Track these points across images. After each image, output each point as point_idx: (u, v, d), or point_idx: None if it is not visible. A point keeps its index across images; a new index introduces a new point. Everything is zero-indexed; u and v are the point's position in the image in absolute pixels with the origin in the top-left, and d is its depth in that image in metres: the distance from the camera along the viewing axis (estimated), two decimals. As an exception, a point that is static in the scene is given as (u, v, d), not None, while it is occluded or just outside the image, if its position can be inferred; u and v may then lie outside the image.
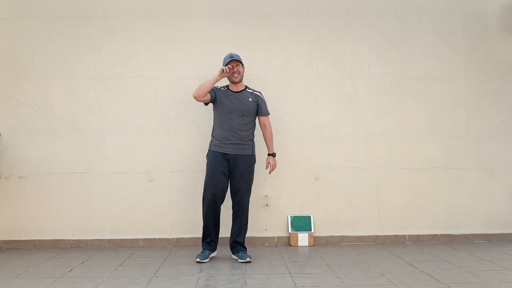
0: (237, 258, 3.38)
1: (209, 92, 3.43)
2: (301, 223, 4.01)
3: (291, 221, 4.01)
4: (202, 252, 3.40)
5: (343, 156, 4.09)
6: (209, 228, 3.43)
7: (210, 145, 3.50)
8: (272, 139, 3.64)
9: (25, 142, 3.95)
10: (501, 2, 4.26)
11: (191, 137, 4.01)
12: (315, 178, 4.08)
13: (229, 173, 3.44)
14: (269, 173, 3.66)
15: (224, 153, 3.41)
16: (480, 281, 2.82)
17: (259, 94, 3.60)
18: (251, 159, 3.50)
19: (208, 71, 4.01)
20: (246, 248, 3.47)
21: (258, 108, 3.53)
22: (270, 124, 3.63)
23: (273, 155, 3.63)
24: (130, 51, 4.04)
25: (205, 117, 3.91)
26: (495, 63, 4.21)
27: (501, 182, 4.16)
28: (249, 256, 3.35)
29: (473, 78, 4.19)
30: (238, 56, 3.50)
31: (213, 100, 3.48)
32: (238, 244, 3.44)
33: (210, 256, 3.43)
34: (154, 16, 4.06)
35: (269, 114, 3.62)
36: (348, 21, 4.16)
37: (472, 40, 4.22)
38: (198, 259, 3.32)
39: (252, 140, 3.53)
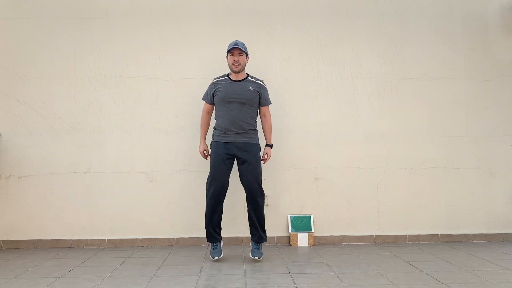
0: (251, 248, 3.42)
1: (209, 99, 3.50)
2: (301, 223, 4.01)
3: (291, 221, 4.01)
4: (214, 248, 3.39)
5: (343, 156, 4.09)
6: (213, 221, 3.39)
7: (213, 136, 3.46)
8: (271, 130, 3.58)
9: (25, 142, 3.95)
10: (501, 2, 4.26)
11: (191, 137, 4.01)
12: (315, 178, 4.08)
13: (235, 163, 3.42)
14: (264, 162, 3.54)
15: (226, 142, 3.36)
16: (480, 281, 2.82)
17: (261, 83, 3.49)
18: (256, 147, 3.43)
19: (208, 71, 4.01)
20: (262, 238, 3.41)
21: (260, 98, 3.46)
22: (271, 115, 3.59)
23: (271, 146, 3.56)
24: (130, 51, 4.04)
25: (205, 117, 3.92)
26: (495, 63, 4.21)
27: (501, 182, 4.17)
28: (261, 254, 3.33)
29: (473, 78, 4.20)
30: (243, 44, 3.40)
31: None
32: (256, 232, 3.38)
33: (222, 245, 3.50)
34: (154, 16, 4.06)
35: (270, 104, 3.57)
36: (348, 21, 4.16)
37: (472, 40, 4.22)
38: (216, 257, 3.33)
39: (255, 129, 3.47)
